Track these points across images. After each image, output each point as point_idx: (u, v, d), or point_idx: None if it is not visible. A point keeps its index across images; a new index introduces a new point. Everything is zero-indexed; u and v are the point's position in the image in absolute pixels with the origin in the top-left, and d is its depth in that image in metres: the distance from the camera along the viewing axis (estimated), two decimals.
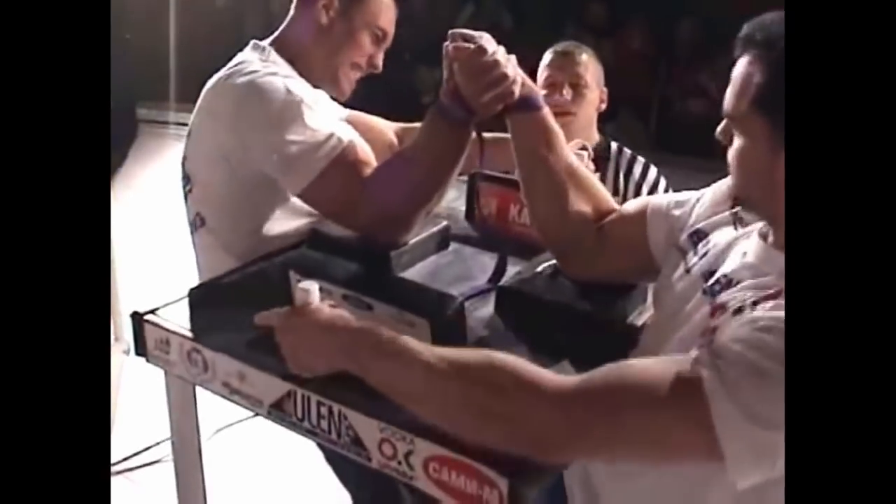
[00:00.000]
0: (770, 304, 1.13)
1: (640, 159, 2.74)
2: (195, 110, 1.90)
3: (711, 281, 1.29)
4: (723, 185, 1.47)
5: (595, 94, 2.69)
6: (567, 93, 2.62)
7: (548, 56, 2.71)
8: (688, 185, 1.79)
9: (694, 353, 1.11)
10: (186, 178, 1.94)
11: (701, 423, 1.05)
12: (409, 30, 8.48)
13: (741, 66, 1.20)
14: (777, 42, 1.13)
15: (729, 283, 1.25)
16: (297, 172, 1.72)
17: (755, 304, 1.15)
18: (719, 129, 1.27)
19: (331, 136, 1.73)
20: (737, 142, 1.23)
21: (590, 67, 2.68)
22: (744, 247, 1.30)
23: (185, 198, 1.96)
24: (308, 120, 1.73)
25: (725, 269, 1.29)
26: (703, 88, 7.17)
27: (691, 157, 5.47)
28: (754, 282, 1.20)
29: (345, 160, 1.73)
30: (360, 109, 2.22)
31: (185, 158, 1.95)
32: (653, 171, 2.72)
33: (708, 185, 1.50)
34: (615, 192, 2.69)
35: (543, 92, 2.52)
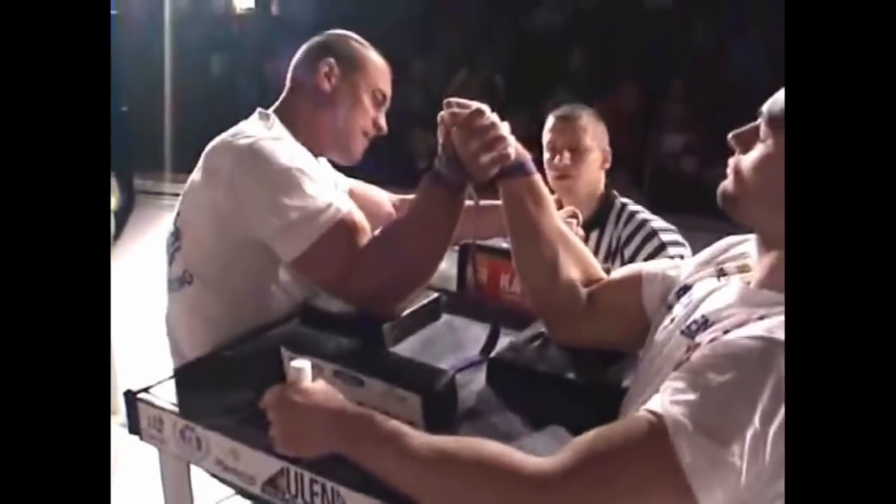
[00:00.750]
0: (738, 330, 1.15)
1: (640, 215, 2.75)
2: (195, 170, 1.89)
3: (688, 322, 1.31)
4: (709, 249, 1.50)
5: (596, 155, 2.74)
6: (566, 156, 2.68)
7: (550, 120, 2.78)
8: None
9: (661, 393, 1.14)
10: (175, 235, 1.92)
11: (669, 455, 1.06)
12: (405, 94, 8.64)
13: None
14: None
15: (706, 323, 1.27)
16: (294, 238, 1.70)
17: (726, 333, 1.17)
18: (741, 130, 1.28)
19: (329, 204, 1.71)
20: (763, 149, 1.23)
21: (589, 129, 2.72)
22: (724, 293, 1.33)
23: (172, 255, 1.93)
24: (307, 187, 1.72)
25: (703, 310, 1.31)
26: (695, 147, 7.25)
27: (685, 215, 5.50)
28: (731, 321, 1.21)
29: (342, 229, 1.71)
30: (357, 174, 2.24)
31: (177, 214, 1.93)
32: (652, 224, 2.71)
33: (702, 242, 1.52)
34: (609, 245, 2.74)
35: (546, 155, 2.69)
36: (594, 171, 2.75)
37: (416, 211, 1.71)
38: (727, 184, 1.29)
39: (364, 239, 1.73)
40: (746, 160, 1.25)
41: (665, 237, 2.68)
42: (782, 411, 1.03)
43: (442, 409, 1.39)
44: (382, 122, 2.05)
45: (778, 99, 1.22)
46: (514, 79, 8.60)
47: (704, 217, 2.33)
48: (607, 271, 1.69)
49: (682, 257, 2.60)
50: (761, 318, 1.16)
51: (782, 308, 1.15)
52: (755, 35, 7.87)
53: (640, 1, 8.79)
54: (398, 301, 1.78)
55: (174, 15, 9.37)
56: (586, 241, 2.72)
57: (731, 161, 1.29)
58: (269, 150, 1.75)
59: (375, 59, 2.04)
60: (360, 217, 1.77)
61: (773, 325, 1.11)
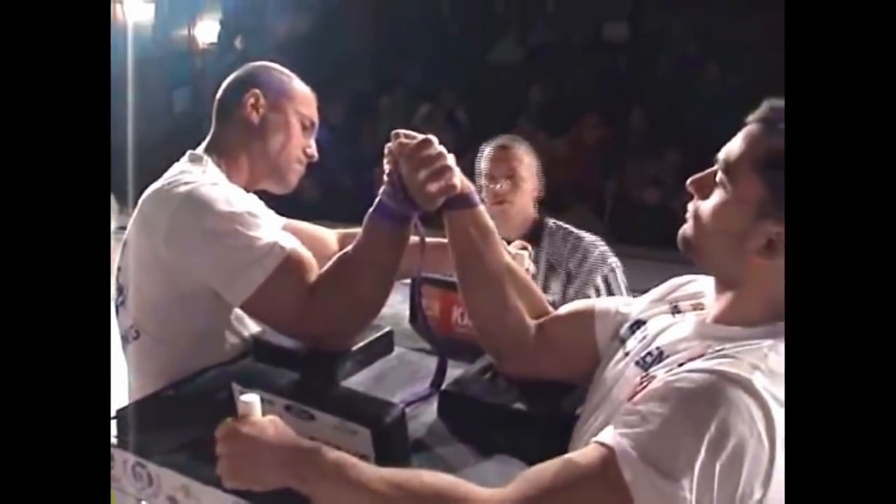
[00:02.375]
0: (692, 363, 1.19)
1: (575, 232, 2.97)
2: (131, 220, 1.85)
3: (644, 354, 1.35)
4: (660, 287, 1.54)
5: (530, 184, 2.96)
6: (505, 183, 2.89)
7: (487, 150, 2.98)
8: (645, 275, 1.82)
9: (613, 425, 1.17)
10: (119, 290, 1.89)
11: (621, 491, 1.09)
12: (370, 130, 8.67)
13: (756, 128, 1.26)
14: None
15: (661, 355, 1.31)
16: (240, 283, 1.68)
17: (681, 365, 1.21)
18: (698, 176, 1.32)
19: (273, 244, 1.70)
20: (720, 195, 1.27)
21: (524, 160, 2.95)
22: (680, 327, 1.37)
23: (117, 310, 1.90)
24: (249, 230, 1.70)
25: (658, 343, 1.35)
26: (657, 178, 7.31)
27: (648, 247, 5.54)
28: (687, 353, 1.26)
29: (288, 268, 1.69)
30: (319, 211, 2.24)
31: (119, 269, 1.90)
32: (586, 241, 2.92)
33: (664, 273, 1.56)
34: (548, 260, 2.89)
35: (483, 181, 2.89)
36: (528, 198, 2.98)
37: (363, 243, 1.71)
38: (687, 228, 1.34)
39: (312, 275, 1.72)
40: (705, 206, 1.30)
41: (602, 247, 2.91)
42: (730, 445, 1.06)
43: (392, 442, 1.40)
44: (313, 149, 2.03)
45: (732, 148, 1.27)
46: (477, 113, 8.66)
47: (666, 248, 2.40)
48: (546, 289, 1.71)
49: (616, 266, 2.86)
50: (717, 351, 1.20)
51: (739, 341, 1.20)
52: (713, 65, 8.01)
53: (599, 33, 8.93)
54: (351, 335, 1.78)
55: (136, 50, 9.35)
56: None
57: (691, 206, 1.34)
58: (206, 196, 1.73)
59: (300, 87, 2.03)
60: (305, 254, 1.76)
61: (725, 360, 1.15)
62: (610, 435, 1.14)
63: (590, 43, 9.00)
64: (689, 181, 1.33)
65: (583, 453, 1.17)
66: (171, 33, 10.85)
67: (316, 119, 2.05)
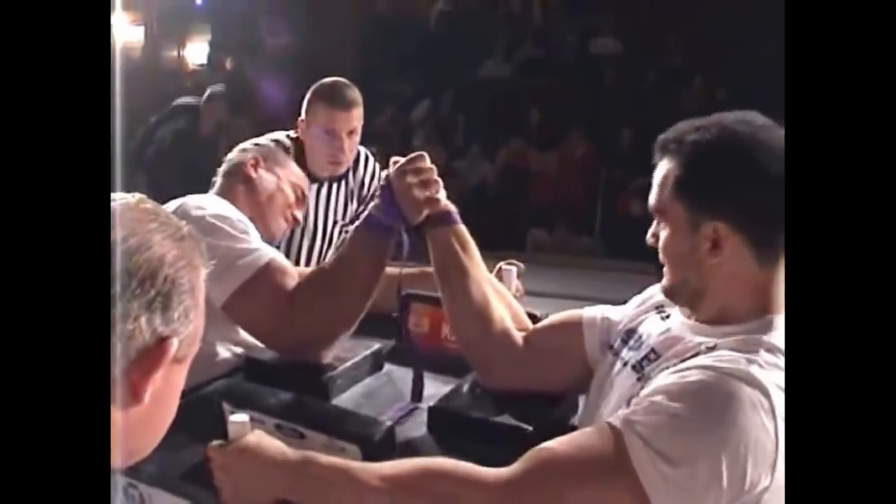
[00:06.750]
0: (691, 360, 1.24)
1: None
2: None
3: (640, 358, 1.40)
4: (643, 294, 1.58)
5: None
6: (349, 141, 2.79)
7: (325, 104, 2.79)
8: (637, 288, 1.85)
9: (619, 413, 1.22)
10: None
11: (627, 473, 1.14)
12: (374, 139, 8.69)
13: (660, 167, 1.38)
14: (685, 139, 1.33)
15: (654, 354, 1.38)
16: (222, 282, 1.73)
17: (682, 361, 1.27)
18: (650, 233, 1.43)
19: (256, 249, 1.78)
20: (662, 235, 1.37)
21: (361, 112, 2.84)
22: (668, 328, 1.42)
23: None
24: (234, 232, 1.80)
25: (651, 343, 1.41)
26: (645, 191, 7.33)
27: (636, 261, 5.54)
28: (679, 351, 1.32)
29: (268, 272, 1.76)
30: None
31: None
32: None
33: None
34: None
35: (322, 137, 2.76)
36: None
37: (345, 253, 1.79)
38: (664, 279, 1.44)
39: (291, 282, 1.78)
40: (661, 248, 1.41)
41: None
42: (736, 435, 1.12)
43: (381, 459, 1.41)
44: (300, 215, 2.24)
45: (651, 197, 1.41)
46: (467, 129, 8.70)
47: (657, 261, 2.40)
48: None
49: None
50: (709, 348, 1.26)
51: (728, 337, 1.27)
52: (701, 78, 8.06)
53: (587, 47, 8.96)
54: (326, 345, 1.80)
55: (125, 71, 9.33)
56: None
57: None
58: (199, 201, 1.87)
59: (297, 169, 2.26)
60: (287, 262, 1.85)
61: (723, 356, 1.21)
62: (619, 420, 1.19)
63: (577, 57, 9.04)
64: (647, 238, 1.44)
65: (589, 433, 1.22)
66: (161, 54, 10.85)
67: (307, 193, 2.28)
